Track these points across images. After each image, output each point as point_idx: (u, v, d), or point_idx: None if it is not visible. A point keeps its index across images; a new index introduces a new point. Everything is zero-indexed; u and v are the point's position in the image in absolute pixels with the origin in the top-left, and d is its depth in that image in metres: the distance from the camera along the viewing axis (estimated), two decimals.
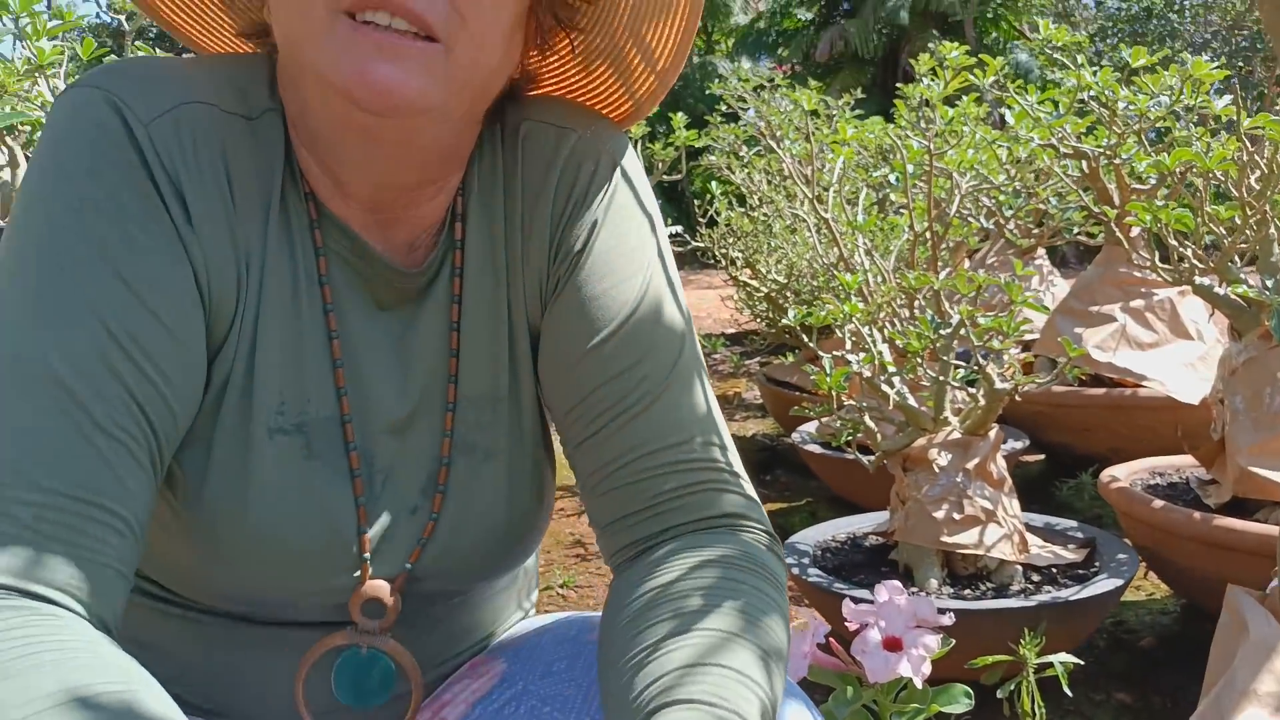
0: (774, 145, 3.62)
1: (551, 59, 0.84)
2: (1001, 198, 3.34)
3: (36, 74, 2.19)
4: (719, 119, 4.03)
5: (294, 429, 0.75)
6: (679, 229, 4.26)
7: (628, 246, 0.80)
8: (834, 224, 2.44)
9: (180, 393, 0.68)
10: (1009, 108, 2.28)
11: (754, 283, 3.73)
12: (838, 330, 2.07)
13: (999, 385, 1.83)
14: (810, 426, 3.24)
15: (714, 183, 4.24)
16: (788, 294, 3.59)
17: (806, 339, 2.17)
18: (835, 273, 2.75)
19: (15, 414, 0.61)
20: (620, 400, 0.76)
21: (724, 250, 3.86)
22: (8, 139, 2.08)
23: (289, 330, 0.74)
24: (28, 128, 2.31)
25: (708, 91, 4.08)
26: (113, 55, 2.25)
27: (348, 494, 0.76)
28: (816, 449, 3.06)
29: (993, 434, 1.93)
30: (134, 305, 0.65)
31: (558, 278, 0.79)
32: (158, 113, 0.68)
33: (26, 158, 2.26)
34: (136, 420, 0.64)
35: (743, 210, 3.92)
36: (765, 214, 3.73)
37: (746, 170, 3.93)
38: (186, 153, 0.69)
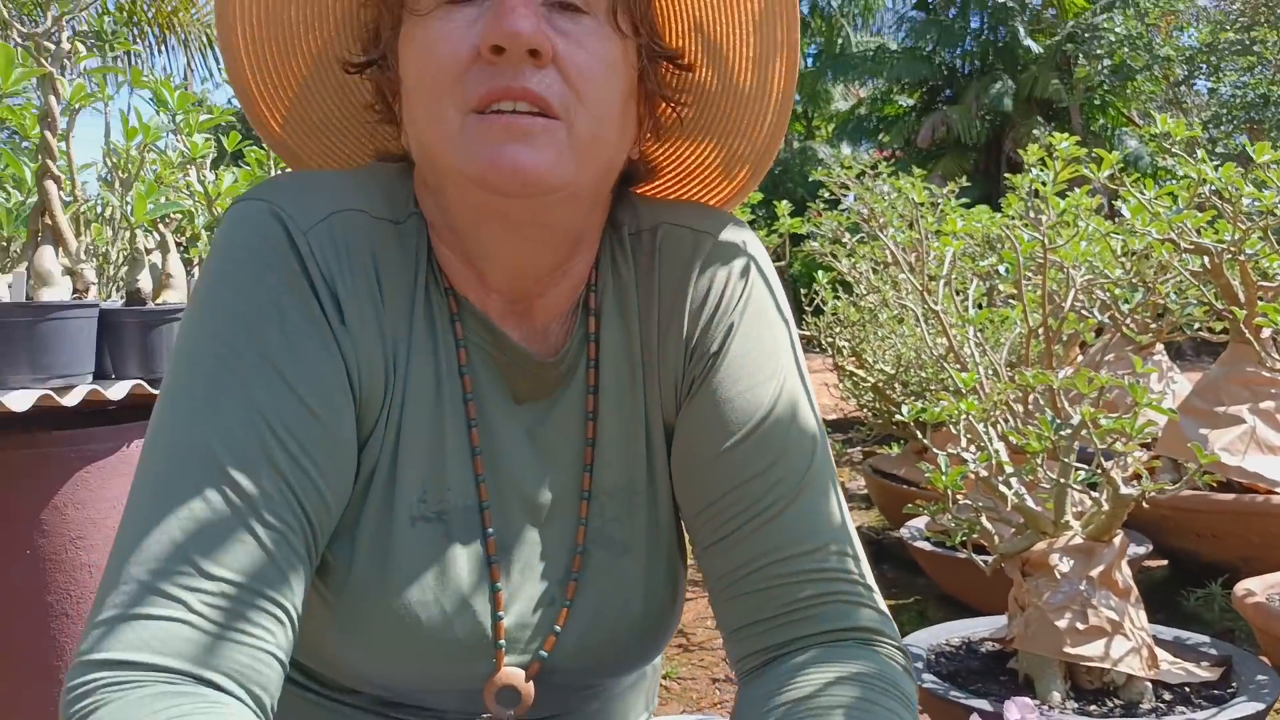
0: (878, 233, 3.63)
1: (663, 144, 0.88)
2: (1117, 291, 3.26)
3: (189, 165, 2.34)
4: (821, 205, 4.05)
5: (435, 516, 0.77)
6: None
7: (763, 350, 0.81)
8: (943, 316, 2.42)
9: (333, 484, 0.72)
10: (1124, 200, 2.25)
11: (860, 372, 3.70)
12: (951, 427, 2.04)
13: (1124, 491, 1.77)
14: (919, 521, 3.16)
15: (820, 271, 4.25)
16: (896, 385, 3.55)
17: (921, 435, 2.14)
18: (947, 366, 2.72)
19: (184, 502, 0.65)
20: (753, 504, 0.77)
21: (830, 339, 3.85)
22: (160, 225, 2.22)
23: (431, 420, 0.78)
24: (179, 215, 2.46)
25: (810, 178, 4.11)
26: (252, 145, 2.40)
27: (485, 582, 0.78)
28: (926, 546, 2.99)
29: (1117, 541, 1.86)
30: (293, 402, 0.69)
31: (693, 378, 0.81)
32: (315, 221, 0.74)
33: (177, 243, 2.40)
34: (294, 511, 0.68)
35: (849, 299, 3.91)
36: (871, 303, 3.72)
37: (852, 258, 3.93)
38: (341, 256, 0.74)
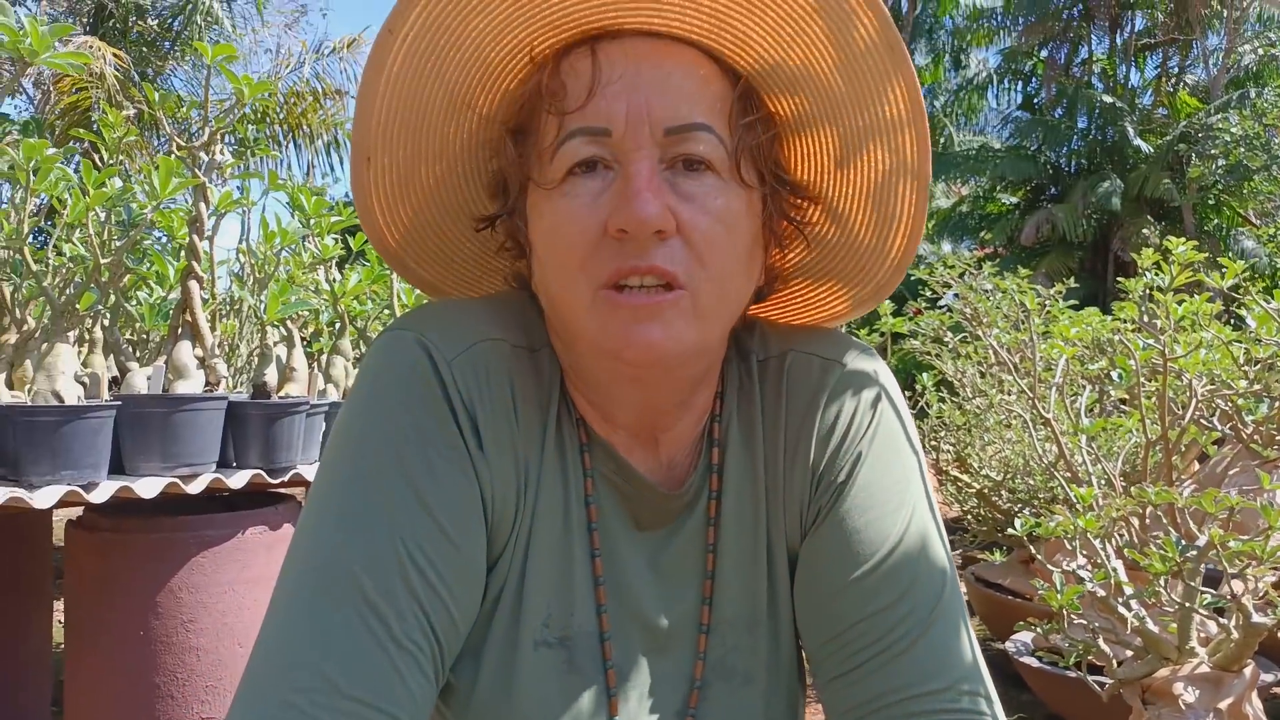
0: (981, 333, 3.57)
1: (790, 255, 0.88)
2: (1240, 402, 3.13)
3: (319, 266, 2.47)
4: (922, 303, 4.01)
5: (557, 642, 0.78)
6: None
7: (891, 479, 0.80)
8: (1054, 423, 2.36)
9: (463, 608, 0.74)
10: (1247, 309, 2.18)
11: (964, 477, 3.61)
12: (1066, 542, 1.97)
13: (1256, 619, 1.68)
14: (1025, 635, 3.04)
15: (920, 370, 4.20)
16: (1002, 491, 3.45)
17: (1033, 551, 2.07)
18: (1058, 475, 2.64)
19: (322, 621, 0.68)
20: (881, 637, 0.75)
21: (934, 443, 3.78)
22: (287, 321, 2.34)
23: (558, 545, 0.79)
24: (307, 312, 2.59)
25: (911, 276, 4.09)
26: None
27: (604, 711, 0.79)
28: (1034, 663, 2.87)
29: (1248, 671, 1.76)
30: (430, 526, 0.72)
31: (819, 507, 0.81)
32: (459, 351, 0.77)
33: (302, 339, 2.52)
34: (425, 633, 0.70)
35: (954, 401, 3.84)
36: (977, 406, 3.64)
37: (956, 359, 3.87)
38: (481, 385, 0.77)
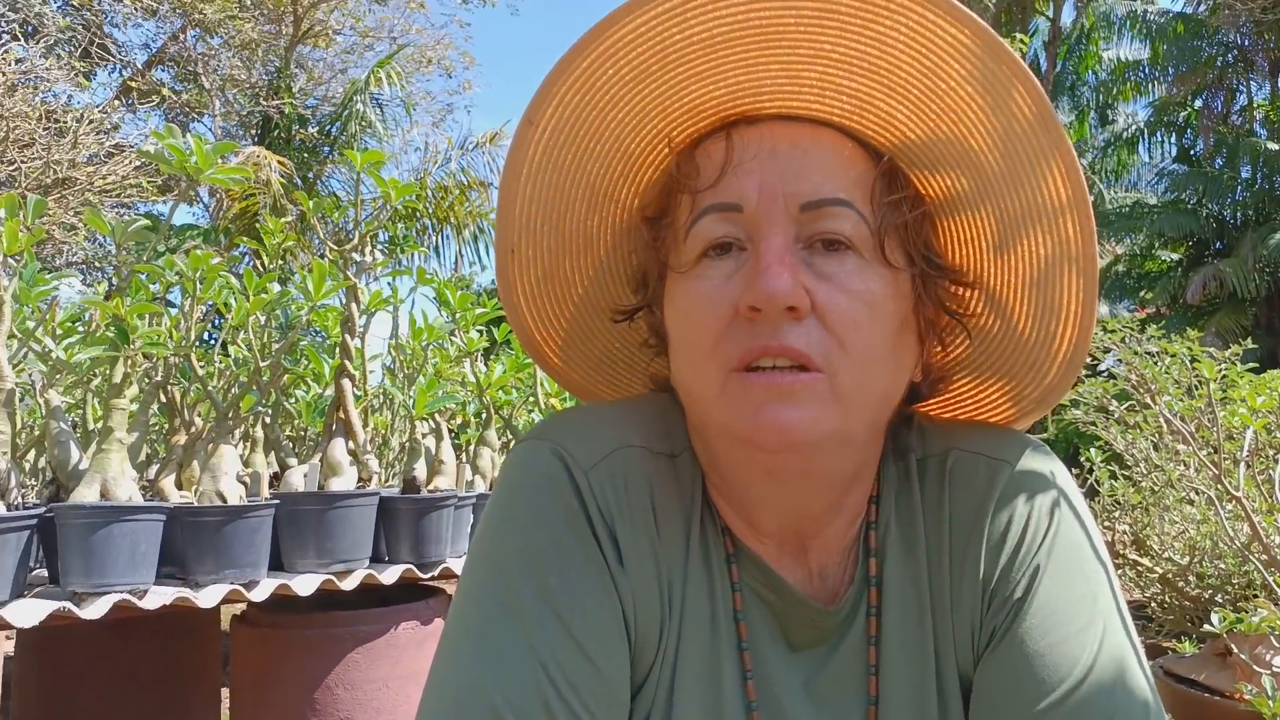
0: (1151, 402, 3.33)
1: (951, 351, 0.81)
2: None
3: (464, 359, 2.51)
4: (1082, 371, 3.78)
5: None
6: None
7: (1076, 595, 0.71)
8: (1245, 501, 2.16)
9: None
10: None
11: (1145, 561, 3.35)
12: (1274, 639, 1.77)
13: None
14: None
15: (1081, 439, 3.95)
16: (1189, 576, 3.18)
17: (1233, 646, 1.87)
18: (1254, 560, 2.41)
19: None
20: None
21: (1108, 524, 3.52)
22: (435, 414, 2.37)
23: (707, 666, 0.74)
24: (454, 405, 2.63)
25: None
26: None
27: None
28: None
29: None
30: (571, 649, 0.68)
31: (994, 627, 0.72)
32: (596, 460, 0.74)
33: (449, 431, 2.56)
34: None
35: (1126, 476, 3.59)
36: (1154, 481, 3.39)
37: (1124, 431, 3.62)
38: (620, 495, 0.73)
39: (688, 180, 0.71)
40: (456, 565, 2.24)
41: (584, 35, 0.68)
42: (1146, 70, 20.39)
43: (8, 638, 3.22)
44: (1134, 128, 21.30)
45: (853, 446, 0.71)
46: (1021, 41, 9.65)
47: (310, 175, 12.11)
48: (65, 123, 6.53)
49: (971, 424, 0.83)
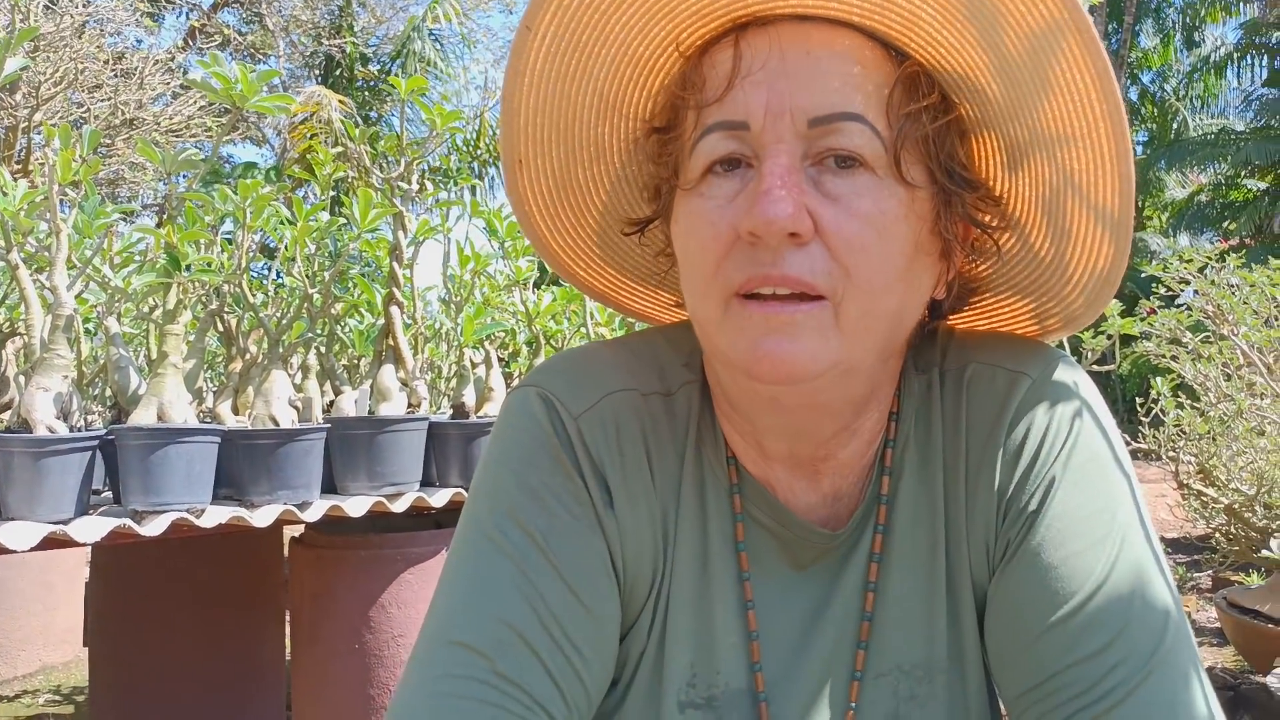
0: (1227, 332, 3.22)
1: (986, 261, 0.77)
2: None
3: (514, 287, 2.53)
4: (1156, 302, 3.66)
5: (704, 703, 0.73)
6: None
7: (1093, 508, 0.69)
8: None
9: (594, 671, 0.70)
10: None
11: (1210, 491, 3.27)
12: None
13: None
14: None
15: (1155, 375, 3.84)
16: (1256, 507, 3.10)
17: None
18: None
19: (450, 689, 0.66)
20: (1088, 689, 0.64)
21: (1172, 454, 3.44)
22: (485, 342, 2.40)
23: (700, 599, 0.74)
24: (503, 333, 2.66)
25: (1143, 273, 3.76)
26: None
27: None
28: None
29: None
30: (558, 587, 0.69)
31: (1008, 540, 0.71)
32: (586, 406, 0.74)
33: (500, 359, 2.58)
34: (552, 699, 0.67)
35: (1193, 407, 3.49)
36: (1223, 412, 3.29)
37: (1195, 361, 3.52)
38: (610, 440, 0.73)
39: (695, 94, 0.68)
40: None
41: None
42: None
43: (86, 563, 3.38)
44: (1222, 51, 20.32)
45: (860, 374, 0.69)
46: None
47: (373, 114, 12.18)
48: (133, 63, 6.65)
49: (996, 336, 0.80)
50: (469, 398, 2.26)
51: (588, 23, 0.69)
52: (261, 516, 1.85)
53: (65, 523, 1.63)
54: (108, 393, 2.31)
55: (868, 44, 0.65)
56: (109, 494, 2.02)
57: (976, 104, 0.68)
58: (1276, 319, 3.27)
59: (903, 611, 0.74)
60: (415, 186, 2.15)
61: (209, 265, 1.91)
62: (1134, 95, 21.57)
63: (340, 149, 2.47)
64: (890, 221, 0.64)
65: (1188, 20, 20.60)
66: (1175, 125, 20.67)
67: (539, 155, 0.77)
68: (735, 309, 0.64)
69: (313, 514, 1.93)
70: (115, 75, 6.48)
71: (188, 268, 1.86)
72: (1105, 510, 0.69)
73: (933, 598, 0.74)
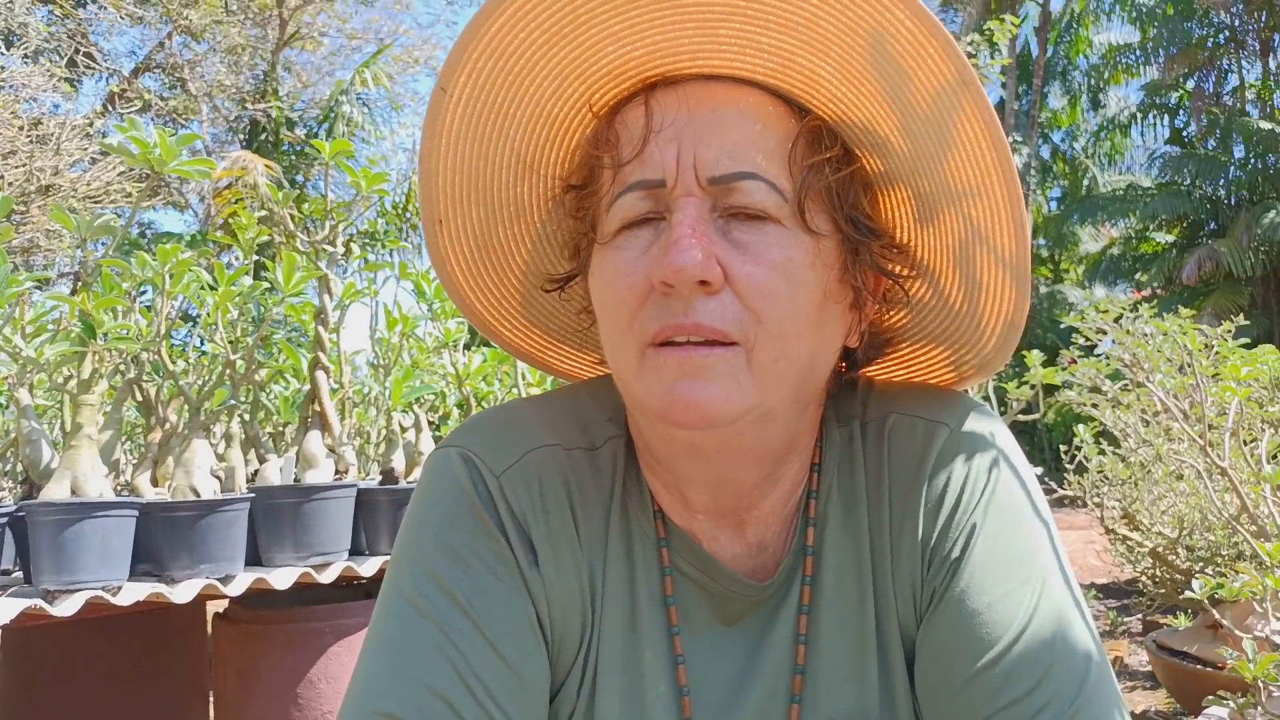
0: (1144, 380, 3.31)
1: (894, 316, 0.80)
2: None
3: (443, 349, 2.50)
4: (1076, 351, 3.77)
5: None
6: (1038, 470, 3.96)
7: (1014, 554, 0.71)
8: (1232, 472, 2.15)
9: None
10: None
11: (1135, 535, 3.34)
12: (1257, 604, 1.76)
13: None
14: (1218, 710, 2.74)
15: (1078, 423, 3.94)
16: (1179, 549, 3.17)
17: (1218, 615, 1.86)
18: (1241, 530, 2.40)
19: None
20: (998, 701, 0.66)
21: (1096, 499, 3.51)
22: (414, 406, 2.36)
23: (630, 656, 0.74)
24: (433, 396, 2.62)
25: (1062, 324, 3.86)
26: None
27: None
28: None
29: None
30: (481, 647, 0.68)
31: (933, 589, 0.72)
32: (508, 464, 0.74)
33: (430, 423, 2.54)
34: None
35: (1115, 453, 3.58)
36: (1143, 457, 3.38)
37: (1115, 408, 3.61)
38: (534, 497, 0.73)
39: (610, 151, 0.70)
40: None
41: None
42: (1137, 53, 20.36)
43: None
44: (1126, 111, 21.30)
45: (775, 421, 0.70)
46: (1012, 24, 9.62)
47: (300, 178, 12.09)
48: (50, 129, 6.52)
49: (915, 387, 0.82)
50: (398, 463, 2.22)
51: (502, 84, 0.70)
52: (182, 592, 1.78)
53: None
54: (18, 468, 2.22)
55: (770, 100, 0.68)
56: (19, 574, 1.93)
57: (880, 157, 0.70)
58: (1189, 366, 3.38)
59: (834, 663, 0.74)
60: (341, 249, 2.12)
61: (126, 332, 1.85)
62: (1046, 153, 22.42)
63: (265, 213, 2.43)
64: (797, 269, 0.66)
65: (1093, 82, 21.57)
66: (1086, 182, 21.48)
67: (459, 215, 0.78)
68: (650, 357, 0.65)
69: (236, 588, 1.86)
70: (31, 141, 6.35)
71: (104, 335, 1.80)
72: (1026, 555, 0.71)
73: (863, 648, 0.74)
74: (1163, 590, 3.38)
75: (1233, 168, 17.72)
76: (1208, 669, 3.09)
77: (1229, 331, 3.31)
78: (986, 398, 4.48)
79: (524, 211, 0.79)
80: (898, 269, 0.75)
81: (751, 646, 0.75)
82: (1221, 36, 18.53)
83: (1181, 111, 20.41)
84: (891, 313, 0.80)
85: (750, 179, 0.65)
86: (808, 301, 0.66)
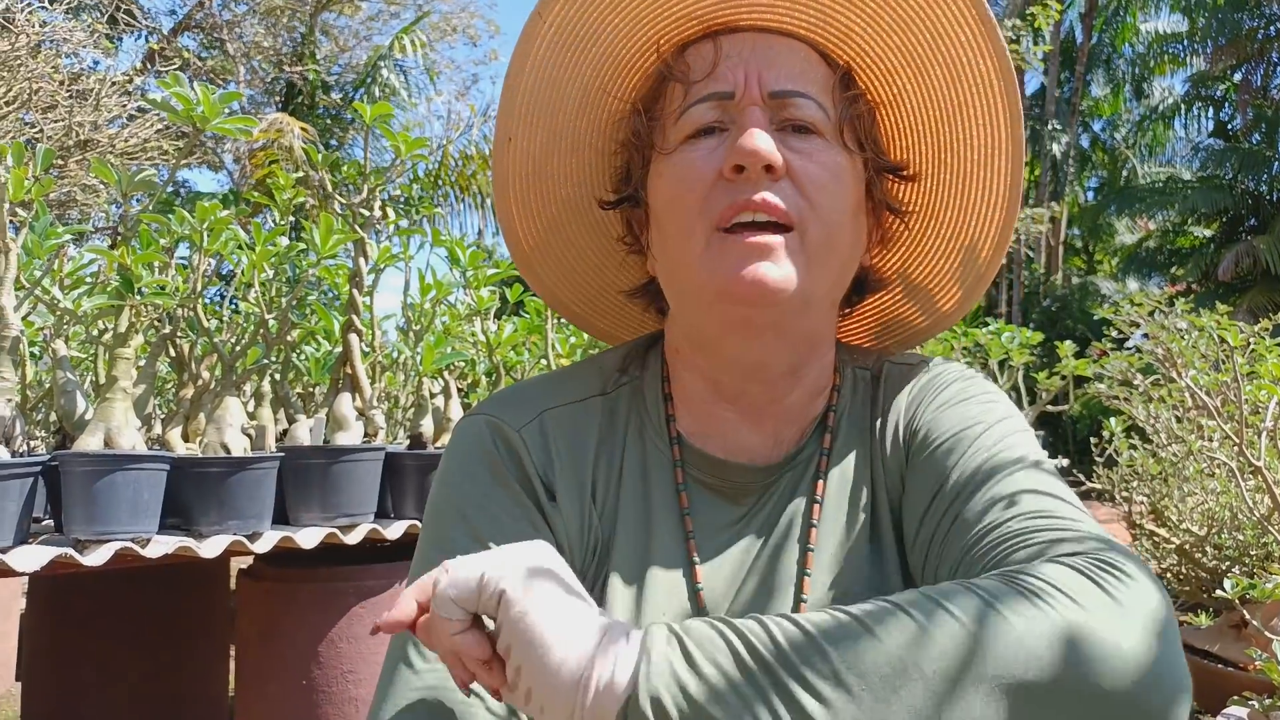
0: (1177, 375, 3.27)
1: (892, 255, 0.95)
2: None
3: (474, 317, 2.50)
4: (1108, 344, 3.73)
5: None
6: (1064, 462, 3.92)
7: (968, 416, 0.81)
8: (1266, 472, 2.12)
9: None
10: None
11: (1161, 531, 3.30)
12: None
13: None
14: (1239, 710, 2.72)
15: (1107, 416, 3.89)
16: (1207, 548, 3.13)
17: (1247, 615, 1.84)
18: (1272, 530, 2.37)
19: (403, 681, 0.73)
20: (977, 523, 0.72)
21: (1125, 494, 3.47)
22: (445, 372, 2.37)
23: (643, 551, 0.82)
24: (463, 363, 2.63)
25: (1095, 315, 3.81)
26: (533, 296, 2.52)
27: None
28: None
29: None
30: None
31: (908, 459, 0.83)
32: (525, 420, 0.84)
33: (459, 390, 2.55)
34: None
35: (1146, 449, 3.53)
36: (1174, 453, 3.33)
37: (1147, 403, 3.57)
38: (551, 446, 0.83)
39: (682, 74, 0.82)
40: None
41: None
42: (1185, 43, 19.96)
43: (22, 594, 3.26)
44: (1170, 102, 20.91)
45: (813, 309, 0.81)
46: (1056, 10, 9.46)
47: (334, 142, 12.11)
48: (89, 85, 6.55)
49: (905, 353, 0.97)
50: (427, 428, 2.23)
51: (585, 22, 0.82)
52: (210, 547, 1.80)
53: (3, 551, 1.57)
54: (52, 418, 2.25)
55: (814, 54, 0.84)
56: (50, 522, 1.95)
57: (893, 110, 0.88)
58: (1224, 363, 3.33)
59: (838, 543, 0.83)
60: (378, 213, 2.12)
61: (163, 289, 1.86)
62: (1085, 142, 22.10)
63: (301, 175, 2.44)
64: (840, 172, 0.80)
65: (1137, 71, 21.20)
66: (1125, 172, 21.17)
67: (526, 135, 0.87)
68: (716, 241, 0.76)
69: (263, 545, 1.88)
70: (71, 96, 6.38)
71: (141, 290, 1.81)
72: (979, 417, 0.81)
73: (862, 534, 0.83)
74: (1187, 588, 3.35)
75: (1276, 163, 17.39)
76: (1229, 668, 3.06)
77: (1267, 329, 3.25)
78: (1015, 388, 4.44)
79: (579, 147, 0.90)
80: (899, 199, 0.90)
81: (763, 528, 0.84)
82: (1273, 28, 18.12)
83: (1227, 104, 20.01)
84: (888, 255, 0.95)
85: (804, 97, 0.80)
86: (847, 201, 0.80)
